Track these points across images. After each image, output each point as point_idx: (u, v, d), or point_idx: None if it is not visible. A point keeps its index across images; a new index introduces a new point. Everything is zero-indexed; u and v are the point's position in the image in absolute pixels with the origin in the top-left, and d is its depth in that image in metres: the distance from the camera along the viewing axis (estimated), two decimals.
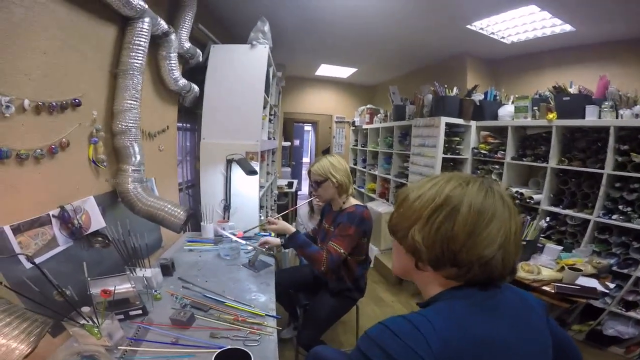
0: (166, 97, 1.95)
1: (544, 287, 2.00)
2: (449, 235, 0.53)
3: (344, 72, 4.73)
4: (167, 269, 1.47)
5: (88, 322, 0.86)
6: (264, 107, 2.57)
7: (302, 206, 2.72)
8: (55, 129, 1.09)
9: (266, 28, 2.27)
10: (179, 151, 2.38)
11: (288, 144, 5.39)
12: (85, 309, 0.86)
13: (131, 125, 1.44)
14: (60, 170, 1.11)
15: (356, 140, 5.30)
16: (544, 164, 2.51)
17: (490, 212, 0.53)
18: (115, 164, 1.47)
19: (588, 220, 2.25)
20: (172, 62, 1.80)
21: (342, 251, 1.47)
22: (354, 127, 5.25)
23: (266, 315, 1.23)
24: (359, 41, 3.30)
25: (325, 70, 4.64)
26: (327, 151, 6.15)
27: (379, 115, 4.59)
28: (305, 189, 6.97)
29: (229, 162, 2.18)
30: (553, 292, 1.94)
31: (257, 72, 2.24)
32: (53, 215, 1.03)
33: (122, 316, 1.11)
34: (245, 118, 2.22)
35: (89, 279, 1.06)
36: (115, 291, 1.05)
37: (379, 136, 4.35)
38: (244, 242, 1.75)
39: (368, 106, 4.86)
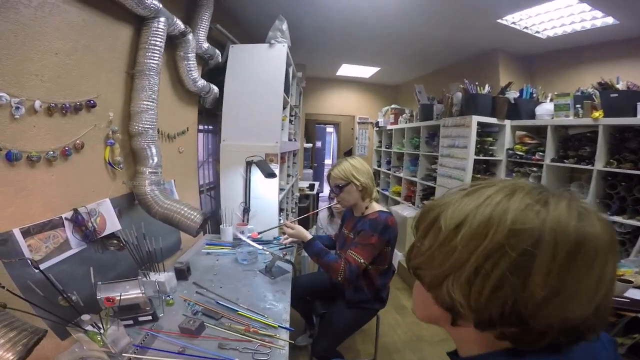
0: (185, 99, 1.95)
1: None
2: (517, 295, 0.33)
3: (366, 71, 4.59)
4: (182, 273, 1.44)
5: (91, 329, 0.82)
6: (284, 108, 2.52)
7: (322, 210, 2.62)
8: (69, 131, 1.08)
9: (284, 27, 2.22)
10: (201, 153, 2.38)
11: (310, 145, 5.32)
12: (85, 317, 0.82)
13: (148, 126, 1.43)
14: (74, 173, 1.10)
15: (380, 142, 5.13)
16: (589, 167, 2.25)
17: (590, 250, 0.33)
18: (133, 166, 1.47)
19: (639, 228, 1.99)
20: (191, 62, 1.79)
21: (362, 261, 1.35)
22: (377, 128, 5.08)
23: (279, 327, 1.15)
24: (382, 39, 3.18)
25: (347, 70, 4.54)
26: (349, 153, 6.02)
27: (404, 115, 4.40)
28: (327, 191, 6.89)
29: (249, 164, 2.14)
30: None
31: (276, 72, 2.19)
32: (66, 218, 1.02)
33: (131, 321, 1.08)
34: (264, 119, 2.18)
35: (99, 283, 1.04)
36: (125, 297, 1.02)
37: (404, 137, 4.16)
38: (260, 247, 1.69)
39: (392, 106, 4.68)
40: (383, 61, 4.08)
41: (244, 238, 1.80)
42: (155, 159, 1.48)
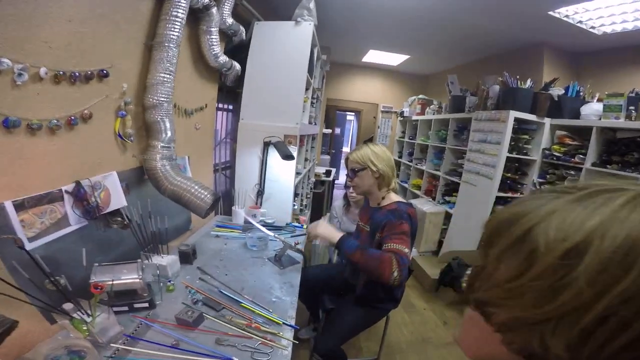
0: (205, 74, 1.86)
1: None
2: None
3: (394, 59, 4.32)
4: (187, 257, 1.38)
5: (78, 316, 0.76)
6: (306, 89, 2.38)
7: (337, 199, 2.51)
8: (77, 100, 1.02)
9: (312, 5, 2.06)
10: (219, 132, 2.31)
11: (329, 131, 5.16)
12: (68, 306, 0.76)
13: (163, 99, 1.36)
14: (79, 143, 1.04)
15: (403, 132, 4.89)
16: (635, 174, 2.03)
17: None
18: (145, 139, 1.40)
19: None
20: (213, 37, 1.69)
21: (407, 251, 1.17)
22: (401, 118, 4.84)
23: (283, 323, 1.07)
24: (415, 25, 2.94)
25: (374, 56, 4.30)
26: (369, 141, 5.82)
27: (431, 106, 4.14)
28: (342, 178, 6.76)
29: (266, 145, 2.04)
30: None
31: (300, 50, 2.05)
32: (66, 191, 0.96)
33: (126, 307, 1.02)
34: (285, 99, 2.06)
35: (95, 264, 0.99)
36: (119, 282, 0.97)
37: (430, 129, 3.92)
38: (272, 234, 1.60)
39: (420, 96, 4.42)
40: (414, 49, 3.82)
41: (254, 222, 1.72)
42: (169, 133, 1.41)
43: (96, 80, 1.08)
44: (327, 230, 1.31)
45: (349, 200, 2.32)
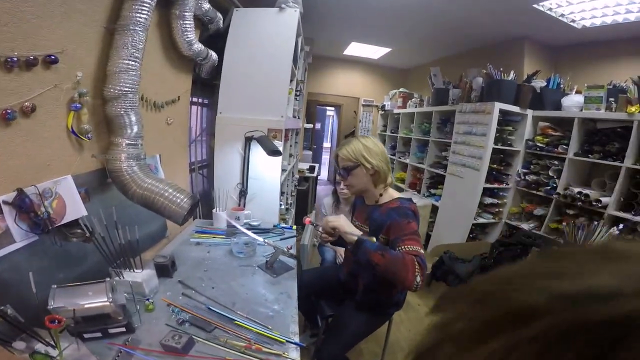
0: (178, 64, 1.65)
1: None
2: None
3: (375, 52, 4.27)
4: (166, 270, 1.20)
5: (42, 349, 0.58)
6: (291, 80, 2.23)
7: (326, 196, 2.39)
8: (15, 90, 0.82)
9: None
10: (193, 128, 2.10)
11: (310, 126, 5.02)
12: (20, 345, 0.58)
13: (127, 89, 1.16)
14: (20, 142, 0.84)
15: (385, 126, 4.86)
16: (616, 163, 2.11)
17: None
18: (107, 136, 1.19)
19: None
20: (187, 22, 1.50)
21: (421, 251, 1.08)
22: (382, 112, 4.80)
23: (287, 342, 0.94)
24: (399, 16, 2.89)
25: (355, 49, 4.22)
26: (351, 135, 5.74)
27: (413, 99, 4.12)
28: (324, 174, 6.64)
29: (248, 140, 1.87)
30: None
31: (285, 39, 1.89)
32: (4, 202, 0.76)
33: (99, 334, 0.84)
34: (269, 90, 1.89)
35: (54, 286, 0.80)
36: (87, 307, 0.78)
37: (413, 122, 3.91)
38: (261, 239, 1.45)
39: (401, 90, 4.39)
40: (396, 42, 3.78)
41: (239, 227, 1.56)
42: (135, 129, 1.21)
43: (41, 67, 0.89)
44: (349, 225, 1.16)
45: (339, 197, 2.20)
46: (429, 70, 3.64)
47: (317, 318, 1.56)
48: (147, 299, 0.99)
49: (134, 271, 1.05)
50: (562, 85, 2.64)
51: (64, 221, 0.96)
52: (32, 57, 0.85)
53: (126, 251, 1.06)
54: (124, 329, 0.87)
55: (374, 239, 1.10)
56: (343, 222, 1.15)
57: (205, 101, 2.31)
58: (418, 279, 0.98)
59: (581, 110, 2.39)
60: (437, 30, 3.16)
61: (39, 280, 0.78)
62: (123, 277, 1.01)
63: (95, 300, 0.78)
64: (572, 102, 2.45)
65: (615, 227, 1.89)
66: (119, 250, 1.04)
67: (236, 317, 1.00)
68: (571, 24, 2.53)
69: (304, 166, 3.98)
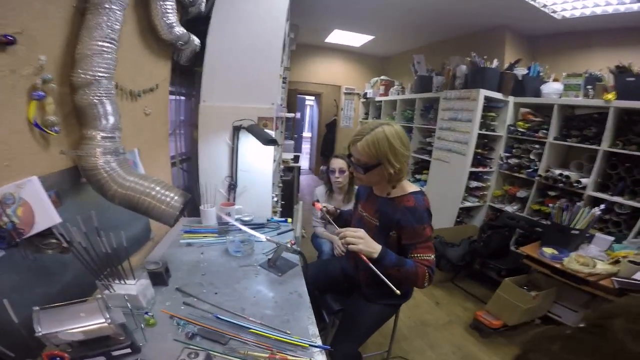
0: (156, 49, 1.47)
1: (601, 282, 1.78)
2: None
3: (358, 39, 4.19)
4: (160, 278, 1.06)
5: None
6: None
7: (319, 186, 2.30)
8: None
9: None
10: (172, 120, 1.91)
11: (291, 115, 4.86)
12: None
13: (101, 75, 0.99)
14: None
15: (366, 114, 4.83)
16: (593, 146, 2.26)
17: None
18: (78, 129, 1.02)
19: (638, 209, 2.04)
20: (168, 3, 1.33)
21: (433, 257, 1.09)
22: (364, 100, 4.75)
23: (310, 346, 0.86)
24: (383, 4, 2.85)
25: (338, 37, 4.12)
26: (332, 124, 5.65)
27: (394, 87, 4.11)
28: (305, 163, 6.54)
29: (236, 130, 1.72)
30: (612, 288, 1.73)
31: (275, 22, 1.74)
32: None
33: (102, 358, 0.72)
34: (258, 76, 1.74)
35: (36, 308, 0.66)
36: (83, 330, 0.66)
37: (395, 109, 3.91)
38: (262, 235, 1.34)
39: (382, 77, 4.36)
40: (379, 29, 3.72)
41: (236, 223, 1.44)
42: (111, 120, 1.04)
43: None
44: (370, 241, 1.04)
45: (332, 186, 2.13)
46: (408, 58, 3.63)
47: (323, 313, 1.50)
48: (146, 313, 0.87)
49: (125, 282, 0.91)
50: (541, 74, 2.75)
51: (34, 231, 0.80)
52: None
53: (112, 260, 0.92)
54: (128, 350, 0.75)
55: (393, 254, 1.05)
56: (362, 243, 1.01)
57: (184, 90, 2.12)
58: (426, 284, 1.06)
59: (560, 97, 2.51)
60: (419, 17, 3.14)
61: (15, 301, 0.64)
62: (114, 291, 0.87)
63: (90, 322, 0.66)
64: (552, 89, 2.56)
65: (597, 208, 2.00)
66: (104, 259, 0.90)
67: (250, 324, 0.91)
68: (552, 14, 2.60)
69: (289, 156, 3.85)
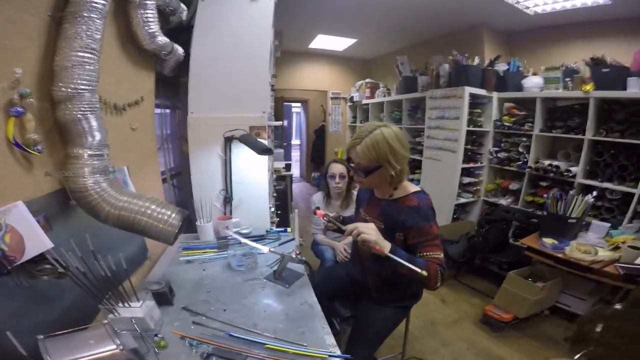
0: (139, 60, 1.43)
1: (605, 269, 1.79)
2: None
3: (341, 43, 4.24)
4: (164, 298, 1.00)
5: None
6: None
7: (315, 193, 2.27)
8: None
9: None
10: (158, 134, 1.84)
11: (279, 123, 4.84)
12: None
13: (83, 87, 0.94)
14: None
15: (354, 117, 4.87)
16: (579, 136, 2.34)
17: None
18: (61, 147, 0.95)
19: (628, 194, 2.10)
20: (149, 12, 1.29)
21: (442, 256, 1.06)
22: (351, 103, 4.79)
23: (330, 356, 0.82)
24: (364, 6, 2.90)
25: (322, 41, 4.16)
26: (320, 130, 5.66)
27: (380, 89, 4.16)
28: (295, 171, 6.49)
29: (228, 141, 1.68)
30: (617, 274, 1.74)
31: (261, 29, 1.72)
32: None
33: None
34: (247, 85, 1.71)
35: (40, 337, 0.61)
36: (94, 358, 0.60)
37: (382, 111, 3.94)
38: (265, 248, 1.29)
39: (367, 80, 4.40)
40: (361, 32, 3.78)
41: (236, 236, 1.39)
42: (97, 136, 0.99)
43: None
44: (379, 237, 0.99)
45: (329, 192, 2.10)
46: (392, 60, 3.68)
47: (334, 321, 1.46)
48: (156, 335, 0.81)
49: (129, 305, 0.84)
50: (521, 69, 2.83)
51: (26, 258, 0.73)
52: None
53: (112, 283, 0.86)
54: None
55: (403, 252, 1.01)
56: (374, 234, 0.97)
57: (168, 102, 2.06)
58: (439, 284, 1.02)
59: (541, 90, 2.60)
60: (400, 18, 3.21)
61: (13, 329, 0.59)
62: (119, 314, 0.81)
63: (100, 349, 0.61)
64: (532, 83, 2.65)
65: (590, 195, 2.05)
66: (103, 283, 0.83)
67: (264, 339, 0.86)
68: (525, 10, 2.69)
69: (280, 165, 3.81)
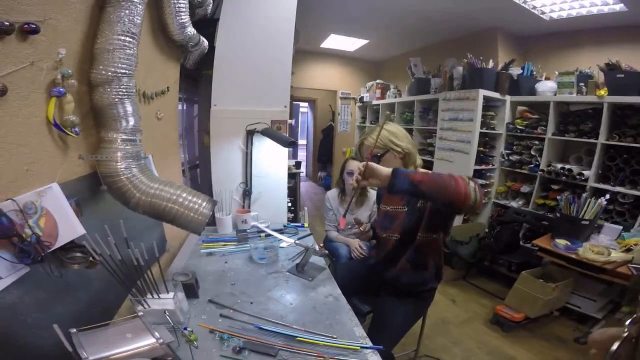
0: (167, 51, 1.42)
1: (618, 269, 1.80)
2: None
3: (352, 44, 4.23)
4: (191, 289, 0.99)
5: None
6: None
7: (330, 191, 2.27)
8: None
9: None
10: (178, 125, 1.85)
11: (291, 121, 4.85)
12: None
13: (122, 72, 0.93)
14: None
15: (363, 117, 4.86)
16: (592, 140, 2.34)
17: None
18: (95, 131, 0.95)
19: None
20: (181, 1, 1.28)
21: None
22: (360, 104, 4.78)
23: (362, 347, 0.82)
24: (377, 7, 2.89)
25: (333, 42, 4.16)
26: (328, 129, 5.66)
27: (391, 90, 4.16)
28: (304, 168, 6.49)
29: (250, 134, 1.68)
30: (630, 274, 1.76)
31: (284, 23, 1.71)
32: None
33: None
34: (270, 78, 1.71)
35: (72, 330, 0.59)
36: (133, 352, 0.59)
37: (392, 112, 3.93)
38: (291, 240, 1.29)
39: (378, 81, 4.40)
40: (374, 33, 3.77)
41: (269, 230, 1.42)
42: (132, 121, 0.98)
43: (16, 37, 0.65)
44: (377, 167, 0.97)
45: (344, 188, 2.09)
46: (402, 62, 3.68)
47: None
48: (185, 328, 0.80)
49: (159, 297, 0.84)
50: (534, 73, 2.83)
51: (59, 244, 0.72)
52: (7, 23, 0.61)
53: (141, 274, 0.85)
54: None
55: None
56: (372, 171, 0.96)
57: (188, 95, 2.06)
58: (472, 184, 0.86)
59: (555, 94, 2.60)
60: (412, 21, 3.20)
61: (41, 321, 0.58)
62: (148, 306, 0.80)
63: (140, 343, 0.59)
64: (546, 87, 2.65)
65: (602, 198, 2.04)
66: (133, 272, 0.83)
67: (294, 332, 0.85)
68: (541, 15, 2.70)
69: (290, 162, 3.81)
